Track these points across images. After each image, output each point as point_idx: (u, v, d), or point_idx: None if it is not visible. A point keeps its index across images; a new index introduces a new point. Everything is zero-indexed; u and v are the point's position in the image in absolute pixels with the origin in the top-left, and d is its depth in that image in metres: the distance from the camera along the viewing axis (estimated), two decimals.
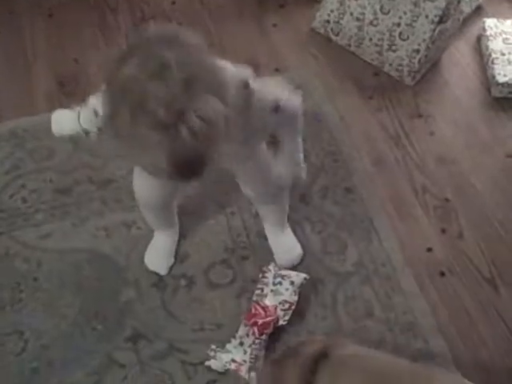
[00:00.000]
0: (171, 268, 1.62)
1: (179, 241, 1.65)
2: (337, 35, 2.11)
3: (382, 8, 1.96)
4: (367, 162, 1.83)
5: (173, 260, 1.63)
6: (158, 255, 1.63)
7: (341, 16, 2.05)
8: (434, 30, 1.91)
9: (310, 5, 2.25)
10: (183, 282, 1.59)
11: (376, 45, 2.01)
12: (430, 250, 1.66)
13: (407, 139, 1.89)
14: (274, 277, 1.48)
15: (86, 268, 1.61)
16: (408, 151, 1.86)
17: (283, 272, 1.50)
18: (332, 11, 2.07)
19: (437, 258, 1.65)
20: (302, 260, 1.62)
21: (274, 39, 2.16)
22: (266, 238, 1.66)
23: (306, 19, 2.21)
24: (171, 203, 1.56)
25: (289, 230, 1.66)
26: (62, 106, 1.48)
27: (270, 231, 1.66)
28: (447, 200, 1.76)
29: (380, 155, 1.85)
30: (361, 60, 2.08)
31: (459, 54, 2.13)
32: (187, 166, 0.95)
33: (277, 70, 2.07)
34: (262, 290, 1.47)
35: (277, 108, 1.24)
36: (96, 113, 1.29)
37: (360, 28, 2.03)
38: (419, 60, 1.96)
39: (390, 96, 2.00)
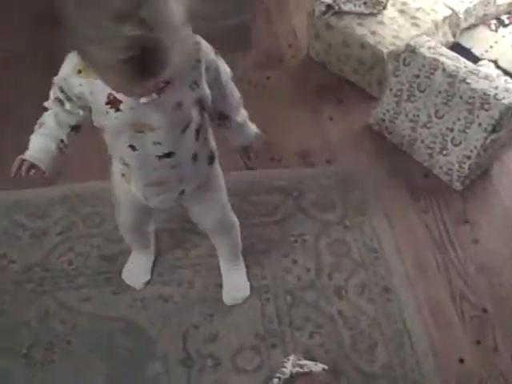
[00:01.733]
0: (147, 283, 1.76)
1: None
2: (390, 134, 2.16)
3: (436, 112, 2.00)
4: (408, 263, 1.83)
5: (148, 277, 1.77)
6: (134, 272, 1.78)
7: (396, 116, 2.10)
8: (487, 139, 1.93)
9: (367, 102, 2.31)
10: (210, 362, 1.61)
11: (428, 147, 2.05)
12: (462, 360, 1.63)
13: (450, 244, 1.89)
14: (293, 366, 1.48)
15: (118, 337, 1.65)
16: (450, 257, 1.86)
17: (302, 362, 1.51)
18: (388, 110, 2.12)
19: (469, 370, 1.62)
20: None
21: (328, 132, 2.22)
22: (297, 329, 1.67)
23: (362, 115, 2.27)
24: (145, 227, 1.71)
25: (242, 271, 1.77)
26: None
27: (223, 267, 1.77)
28: (485, 310, 1.74)
29: (421, 258, 1.85)
30: (412, 160, 2.11)
31: (511, 163, 2.14)
32: (143, 58, 0.96)
33: (328, 161, 2.12)
34: (279, 378, 1.47)
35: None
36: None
37: (413, 129, 2.07)
38: (469, 166, 1.98)
39: (438, 199, 2.01)
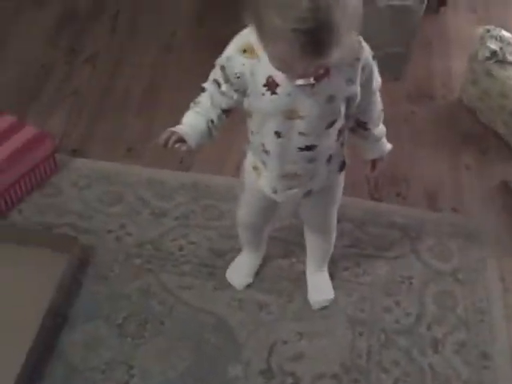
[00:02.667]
0: (248, 286, 1.79)
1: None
2: None
3: None
4: None
5: (251, 280, 1.80)
6: (238, 272, 1.81)
7: None
8: None
9: (510, 158, 2.22)
10: (290, 380, 1.61)
11: None
12: None
13: None
14: None
15: (209, 331, 1.69)
16: None
17: None
18: None
19: None
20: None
21: (462, 180, 2.15)
22: (384, 371, 1.63)
23: (502, 171, 2.18)
24: (265, 227, 1.72)
25: (327, 275, 1.80)
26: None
27: (310, 268, 1.80)
28: None
29: None
30: None
31: None
32: (317, 33, 1.00)
33: (454, 209, 2.06)
34: None
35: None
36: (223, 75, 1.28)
37: None
38: None
39: None
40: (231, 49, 1.23)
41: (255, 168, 1.45)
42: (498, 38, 2.20)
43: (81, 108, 2.30)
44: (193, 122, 1.33)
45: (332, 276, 1.81)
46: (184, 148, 1.31)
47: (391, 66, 1.26)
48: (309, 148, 1.31)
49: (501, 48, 2.19)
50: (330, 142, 1.34)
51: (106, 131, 2.22)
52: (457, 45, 2.68)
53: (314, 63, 1.09)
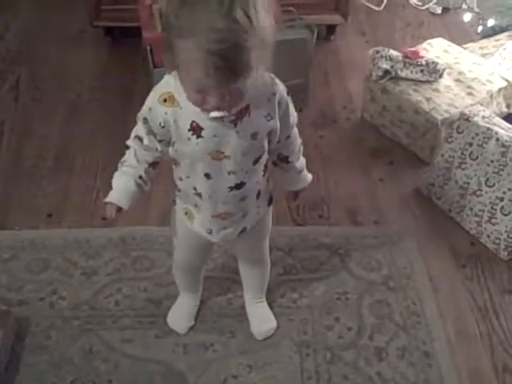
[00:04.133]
0: (190, 328, 1.79)
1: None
2: (439, 199, 2.17)
3: (487, 181, 2.01)
4: (450, 330, 1.82)
5: (193, 322, 1.81)
6: (179, 316, 1.81)
7: (446, 182, 2.12)
8: None
9: (417, 166, 2.34)
10: None
11: (476, 215, 2.05)
12: None
13: (495, 314, 1.87)
14: None
15: (158, 380, 1.68)
16: (494, 326, 1.83)
17: None
18: (438, 176, 2.14)
19: None
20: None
21: (377, 193, 2.25)
22: None
23: (411, 179, 2.30)
24: (201, 268, 1.76)
25: (265, 304, 1.83)
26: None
27: (249, 300, 1.83)
28: None
29: (464, 325, 1.84)
30: (459, 227, 2.11)
31: None
32: (230, 55, 1.03)
33: (375, 222, 2.15)
34: None
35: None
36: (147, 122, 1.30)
37: (462, 196, 2.08)
38: None
39: (484, 268, 2.00)
40: (151, 100, 1.26)
41: (187, 213, 1.47)
42: (388, 58, 2.34)
43: None
44: (121, 184, 1.36)
45: (271, 305, 1.84)
46: (118, 212, 1.37)
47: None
48: (238, 186, 1.35)
49: (392, 66, 2.33)
50: (257, 178, 1.39)
51: (22, 200, 2.19)
52: (351, 68, 2.83)
53: (229, 87, 1.11)
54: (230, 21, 1.02)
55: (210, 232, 1.47)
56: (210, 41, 1.02)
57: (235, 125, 1.24)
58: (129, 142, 1.37)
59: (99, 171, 2.30)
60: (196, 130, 1.24)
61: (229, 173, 1.31)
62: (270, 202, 1.52)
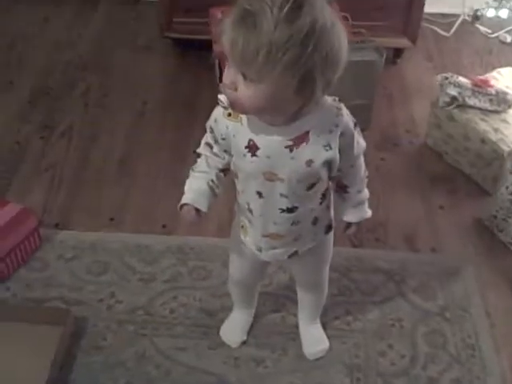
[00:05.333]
0: (243, 343, 1.80)
1: None
2: (501, 231, 2.13)
3: None
4: (506, 367, 1.78)
5: (245, 337, 1.82)
6: (232, 330, 1.83)
7: (509, 215, 2.08)
8: None
9: (480, 196, 2.31)
10: None
11: None
12: None
13: None
14: None
15: None
16: None
17: None
18: (501, 208, 2.11)
19: None
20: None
21: (437, 220, 2.23)
22: None
23: (473, 209, 2.26)
24: (256, 285, 1.76)
25: (320, 327, 1.83)
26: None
27: (302, 321, 1.82)
28: None
29: None
30: None
31: None
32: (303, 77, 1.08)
33: (433, 249, 2.12)
34: None
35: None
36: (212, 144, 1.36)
37: None
38: None
39: None
40: (217, 112, 1.29)
41: (243, 227, 1.49)
42: (456, 84, 2.32)
43: (59, 182, 2.33)
44: (195, 186, 1.38)
45: (324, 325, 1.84)
46: (199, 216, 1.38)
47: (357, 118, 1.33)
48: (290, 210, 1.34)
49: (459, 93, 2.31)
50: (312, 205, 1.37)
51: (86, 202, 2.25)
52: (416, 92, 2.81)
53: (249, 68, 1.09)
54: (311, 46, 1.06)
55: (260, 250, 1.48)
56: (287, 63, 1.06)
57: (291, 150, 1.24)
58: (200, 150, 1.40)
59: (161, 178, 2.34)
60: (252, 148, 1.25)
61: (281, 195, 1.31)
62: (328, 229, 1.50)
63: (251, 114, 1.21)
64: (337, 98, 1.27)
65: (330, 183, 1.40)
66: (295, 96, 1.13)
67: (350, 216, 1.49)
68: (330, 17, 1.09)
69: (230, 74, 1.13)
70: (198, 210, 1.37)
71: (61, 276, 1.97)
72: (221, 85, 1.17)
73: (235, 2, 1.09)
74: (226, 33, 1.09)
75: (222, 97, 1.24)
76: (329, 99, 1.26)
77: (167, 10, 2.81)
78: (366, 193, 1.47)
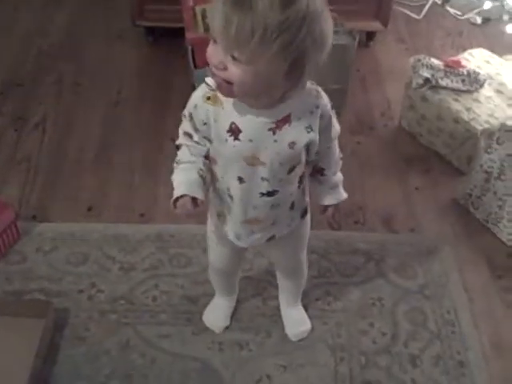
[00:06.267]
0: (226, 328, 1.82)
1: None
2: (476, 209, 2.17)
3: None
4: (485, 342, 1.82)
5: (228, 322, 1.83)
6: (215, 316, 1.84)
7: (483, 192, 2.12)
8: None
9: (455, 175, 2.34)
10: None
11: None
12: None
13: None
14: None
15: (193, 377, 1.70)
16: None
17: None
18: (475, 186, 2.14)
19: None
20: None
21: (414, 201, 2.26)
22: None
23: (448, 188, 2.30)
24: (236, 271, 1.77)
25: (300, 307, 1.85)
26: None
27: (283, 304, 1.84)
28: None
29: (500, 338, 1.83)
30: (496, 238, 2.11)
31: None
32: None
33: (411, 229, 2.15)
34: None
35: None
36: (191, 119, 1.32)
37: (501, 207, 2.07)
38: None
39: None
40: (196, 97, 1.28)
41: (219, 215, 1.48)
42: (429, 66, 2.35)
43: (35, 173, 2.30)
44: (184, 178, 1.33)
45: (305, 307, 1.85)
46: (196, 207, 1.31)
47: (332, 102, 1.34)
48: (270, 194, 1.34)
49: (432, 75, 2.34)
50: (291, 189, 1.38)
51: (63, 193, 2.23)
52: (389, 75, 2.83)
53: (237, 49, 1.09)
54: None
55: (239, 237, 1.48)
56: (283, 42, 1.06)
57: (274, 132, 1.24)
58: (179, 141, 1.38)
59: (138, 167, 2.33)
60: (234, 131, 1.25)
61: (262, 179, 1.31)
62: (303, 214, 1.51)
63: (237, 97, 1.20)
64: (314, 82, 1.28)
65: (306, 167, 1.41)
66: (284, 79, 1.14)
67: (328, 199, 1.50)
68: (320, 1, 1.10)
69: (217, 55, 1.12)
70: (194, 201, 1.30)
71: (40, 268, 1.96)
72: (209, 66, 1.16)
73: None
74: (216, 12, 1.08)
75: (208, 79, 1.23)
76: (307, 83, 1.26)
77: None
78: (340, 175, 1.49)
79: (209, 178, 1.37)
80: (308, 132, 1.27)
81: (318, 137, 1.29)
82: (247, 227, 1.44)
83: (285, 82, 1.15)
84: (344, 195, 1.52)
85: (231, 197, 1.38)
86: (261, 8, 1.04)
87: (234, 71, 1.12)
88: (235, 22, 1.05)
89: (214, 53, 1.14)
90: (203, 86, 1.28)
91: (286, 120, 1.24)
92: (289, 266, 1.71)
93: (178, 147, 1.38)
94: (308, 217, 1.55)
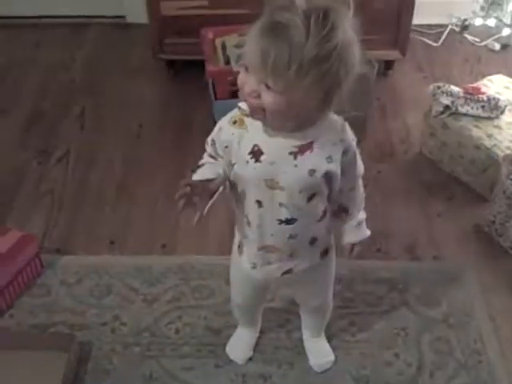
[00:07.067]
0: (249, 359, 1.81)
1: None
2: (500, 236, 2.15)
3: None
4: None
5: (251, 353, 1.82)
6: (238, 347, 1.83)
7: (507, 219, 2.09)
8: None
9: (478, 202, 2.32)
10: None
11: None
12: None
13: None
14: None
15: None
16: None
17: None
18: (499, 213, 2.12)
19: None
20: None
21: (436, 228, 2.24)
22: None
23: (471, 215, 2.28)
24: (258, 307, 1.77)
25: (324, 338, 1.83)
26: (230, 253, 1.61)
27: (307, 336, 1.83)
28: None
29: None
30: None
31: None
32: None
33: (435, 257, 2.13)
34: None
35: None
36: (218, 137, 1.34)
37: None
38: None
39: None
40: (222, 121, 1.32)
41: (239, 246, 1.49)
42: (449, 93, 2.35)
43: (59, 206, 2.33)
44: (205, 171, 1.34)
45: (329, 338, 1.84)
46: (219, 190, 1.32)
47: (353, 130, 1.35)
48: (289, 221, 1.33)
49: (452, 102, 2.33)
50: (311, 220, 1.37)
51: (86, 226, 2.25)
52: (409, 103, 2.83)
53: (272, 78, 1.11)
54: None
55: (254, 266, 1.47)
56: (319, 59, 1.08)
57: (295, 157, 1.25)
58: (202, 161, 1.39)
59: (160, 199, 2.35)
60: (256, 153, 1.26)
61: (280, 205, 1.31)
62: (323, 254, 1.48)
63: (270, 120, 1.21)
64: (341, 117, 1.29)
65: (329, 205, 1.39)
66: (317, 106, 1.17)
67: (351, 237, 1.49)
68: (352, 31, 1.12)
69: (250, 83, 1.15)
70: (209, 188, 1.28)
71: (64, 301, 1.97)
72: (241, 94, 1.19)
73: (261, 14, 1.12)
74: (252, 42, 1.12)
75: (241, 104, 1.25)
76: (334, 115, 1.27)
77: (158, 32, 2.83)
78: (363, 213, 1.48)
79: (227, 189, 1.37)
80: (328, 162, 1.26)
81: (338, 170, 1.29)
82: (263, 255, 1.43)
83: (317, 108, 1.18)
84: (367, 233, 1.50)
85: (249, 223, 1.38)
86: (297, 40, 1.06)
87: (268, 99, 1.15)
88: (272, 54, 1.08)
89: (246, 81, 1.16)
90: (235, 110, 1.30)
91: (309, 147, 1.25)
92: (312, 305, 1.69)
93: (199, 167, 1.39)
94: (332, 257, 1.53)
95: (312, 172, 1.26)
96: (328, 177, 1.29)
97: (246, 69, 1.16)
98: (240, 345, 1.82)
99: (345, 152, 1.28)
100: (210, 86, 2.50)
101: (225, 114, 1.34)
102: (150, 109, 2.83)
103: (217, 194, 1.32)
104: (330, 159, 1.26)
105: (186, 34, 2.77)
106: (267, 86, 1.13)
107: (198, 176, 1.34)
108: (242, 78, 1.18)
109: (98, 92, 2.92)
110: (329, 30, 1.07)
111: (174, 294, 1.99)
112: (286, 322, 1.90)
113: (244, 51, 1.16)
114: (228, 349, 1.82)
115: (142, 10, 2.81)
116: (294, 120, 1.21)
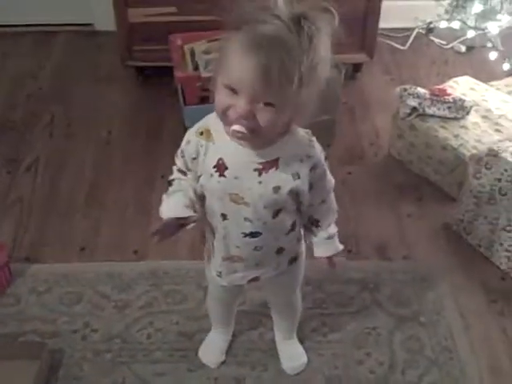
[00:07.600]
0: (222, 363, 1.80)
1: None
2: (468, 234, 2.17)
3: None
4: (483, 367, 1.81)
5: (224, 357, 1.81)
6: (210, 351, 1.82)
7: (475, 217, 2.12)
8: None
9: (446, 202, 2.35)
10: None
11: (506, 250, 2.05)
12: None
13: None
14: None
15: None
16: None
17: None
18: (467, 211, 2.15)
19: None
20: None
21: (406, 228, 2.26)
22: None
23: (440, 214, 2.31)
24: (234, 302, 1.74)
25: (296, 342, 1.82)
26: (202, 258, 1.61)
27: (279, 339, 1.82)
28: None
29: (497, 362, 1.82)
30: (489, 262, 2.11)
31: None
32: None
33: (405, 257, 2.15)
34: None
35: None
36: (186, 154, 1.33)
37: (492, 231, 2.08)
38: None
39: None
40: (190, 133, 1.30)
41: (208, 255, 1.50)
42: (415, 95, 2.38)
43: (28, 215, 2.31)
44: (174, 201, 1.35)
45: (301, 339, 1.84)
46: (191, 224, 1.35)
47: (322, 134, 1.35)
48: (253, 235, 1.33)
49: (419, 103, 2.36)
50: (277, 234, 1.36)
51: (55, 235, 2.23)
52: (377, 105, 2.86)
53: (264, 96, 1.09)
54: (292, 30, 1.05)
55: (220, 275, 1.48)
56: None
57: (259, 174, 1.23)
58: (172, 177, 1.39)
59: (130, 205, 2.34)
60: (221, 167, 1.25)
61: (245, 219, 1.30)
62: (291, 261, 1.48)
63: (261, 138, 1.18)
64: (309, 131, 1.27)
65: (299, 216, 1.39)
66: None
67: (322, 250, 1.48)
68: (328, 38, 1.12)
69: (241, 106, 1.10)
70: (180, 221, 1.33)
71: (34, 309, 1.95)
72: (225, 120, 1.16)
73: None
74: (238, 61, 1.07)
75: (237, 127, 1.13)
76: (300, 130, 1.26)
77: (126, 39, 2.82)
78: (335, 227, 1.46)
79: (198, 206, 1.36)
80: (294, 179, 1.25)
81: (305, 186, 1.28)
82: (228, 265, 1.43)
83: (290, 120, 1.18)
84: (340, 247, 1.48)
85: (215, 234, 1.38)
86: (293, 49, 1.05)
87: (266, 117, 1.11)
88: (274, 68, 1.05)
89: (233, 104, 1.11)
90: (198, 123, 1.29)
91: (274, 164, 1.23)
92: (281, 305, 1.72)
93: (170, 183, 1.39)
94: (300, 262, 1.53)
95: (277, 189, 1.25)
96: (294, 193, 1.28)
97: (233, 90, 1.10)
98: (212, 348, 1.82)
99: (313, 168, 1.26)
100: (180, 91, 2.50)
101: (195, 119, 1.34)
102: (120, 115, 2.82)
103: (190, 225, 1.35)
104: (296, 176, 1.25)
105: (154, 41, 2.77)
106: (266, 104, 1.10)
107: (170, 210, 1.34)
108: (224, 103, 1.12)
109: (67, 100, 2.90)
110: (314, 35, 1.06)
111: (146, 299, 1.98)
112: (259, 324, 1.90)
113: (227, 72, 1.10)
114: (200, 353, 1.82)
115: (110, 17, 2.80)
116: (272, 134, 1.19)
